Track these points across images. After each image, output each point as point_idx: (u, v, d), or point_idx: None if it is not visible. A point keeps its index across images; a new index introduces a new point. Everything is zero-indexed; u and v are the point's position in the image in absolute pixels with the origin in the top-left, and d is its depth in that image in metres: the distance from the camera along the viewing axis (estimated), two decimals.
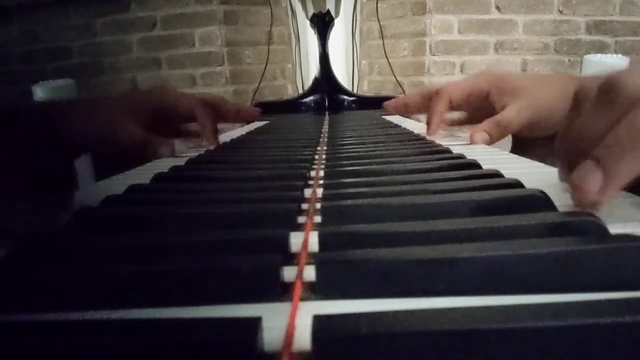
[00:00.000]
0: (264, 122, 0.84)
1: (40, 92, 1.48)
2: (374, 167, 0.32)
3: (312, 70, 1.32)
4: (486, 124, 0.48)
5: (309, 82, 1.26)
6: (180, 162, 0.39)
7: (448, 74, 1.71)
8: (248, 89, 1.79)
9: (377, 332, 0.10)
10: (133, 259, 0.16)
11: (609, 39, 1.68)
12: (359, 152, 0.41)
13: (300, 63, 1.60)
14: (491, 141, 0.48)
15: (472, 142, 0.48)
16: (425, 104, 0.56)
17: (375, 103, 1.13)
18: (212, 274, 0.14)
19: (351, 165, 0.33)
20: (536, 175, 0.30)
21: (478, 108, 0.53)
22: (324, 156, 0.39)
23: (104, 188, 0.31)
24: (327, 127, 0.70)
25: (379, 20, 1.71)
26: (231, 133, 0.66)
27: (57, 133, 0.25)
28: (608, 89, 0.20)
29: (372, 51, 1.79)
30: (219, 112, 0.54)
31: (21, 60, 1.80)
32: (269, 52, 1.76)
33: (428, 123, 0.54)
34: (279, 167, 0.35)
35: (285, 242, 0.17)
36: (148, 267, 0.14)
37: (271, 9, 1.71)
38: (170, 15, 1.73)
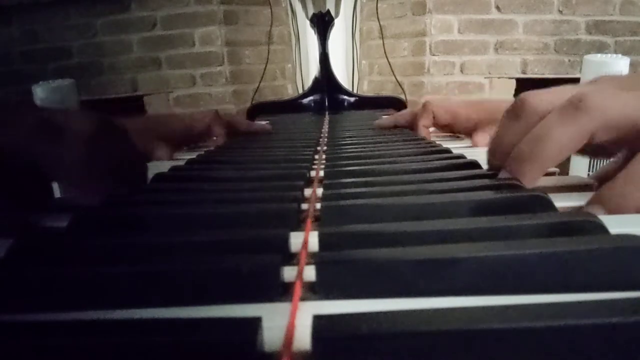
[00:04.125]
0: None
1: (40, 92, 1.48)
2: (374, 167, 0.32)
3: (312, 70, 1.32)
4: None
5: (309, 82, 1.26)
6: (180, 162, 0.39)
7: (448, 74, 1.71)
8: (248, 89, 1.79)
9: (377, 332, 0.10)
10: (133, 259, 0.16)
11: (609, 39, 1.68)
12: (359, 152, 0.41)
13: (300, 63, 1.60)
14: None
15: (474, 144, 0.48)
16: (414, 119, 0.57)
17: (375, 103, 1.13)
18: (212, 274, 0.14)
19: (351, 165, 0.33)
20: None
21: (463, 130, 0.54)
22: (324, 156, 0.39)
23: None
24: (327, 127, 0.70)
25: (379, 20, 1.71)
26: None
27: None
28: (515, 106, 0.26)
29: (372, 51, 1.79)
30: (232, 126, 0.59)
31: (21, 60, 1.80)
32: (269, 52, 1.76)
33: None
34: (279, 167, 0.35)
35: (285, 242, 0.17)
36: (148, 267, 0.14)
37: (271, 9, 1.71)
38: (170, 15, 1.73)
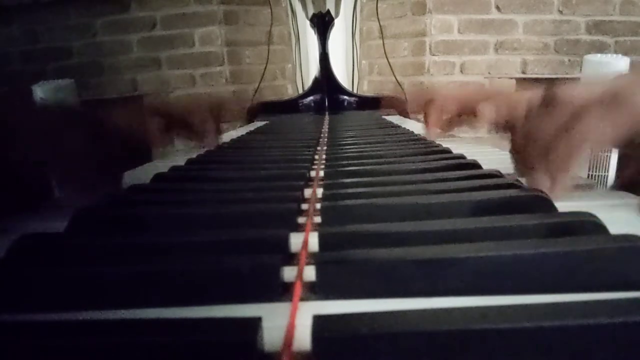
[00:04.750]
0: (264, 122, 0.84)
1: (40, 92, 1.48)
2: (374, 167, 0.32)
3: (312, 70, 1.32)
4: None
5: (309, 82, 1.26)
6: (180, 162, 0.39)
7: (448, 74, 1.71)
8: (248, 89, 1.79)
9: (377, 332, 0.10)
10: (133, 259, 0.16)
11: (609, 39, 1.68)
12: (359, 152, 0.41)
13: (300, 63, 1.60)
14: None
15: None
16: (421, 107, 0.57)
17: (375, 103, 1.13)
18: (212, 274, 0.14)
19: (351, 165, 0.33)
20: None
21: (473, 117, 0.54)
22: (324, 156, 0.39)
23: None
24: (327, 127, 0.70)
25: (379, 20, 1.71)
26: (231, 133, 0.66)
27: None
28: (549, 100, 0.26)
29: (372, 51, 1.79)
30: (227, 111, 0.58)
31: (21, 60, 1.79)
32: (269, 52, 1.76)
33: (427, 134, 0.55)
34: (279, 167, 0.35)
35: (285, 242, 0.17)
36: (148, 267, 0.14)
37: (271, 9, 1.71)
38: (170, 15, 1.73)
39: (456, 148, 0.40)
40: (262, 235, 0.18)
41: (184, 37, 1.74)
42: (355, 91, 1.51)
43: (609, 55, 1.50)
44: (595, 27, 1.68)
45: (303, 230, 0.19)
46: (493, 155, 0.41)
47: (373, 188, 0.25)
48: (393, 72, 1.70)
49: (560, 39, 1.69)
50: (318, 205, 0.22)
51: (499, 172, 0.27)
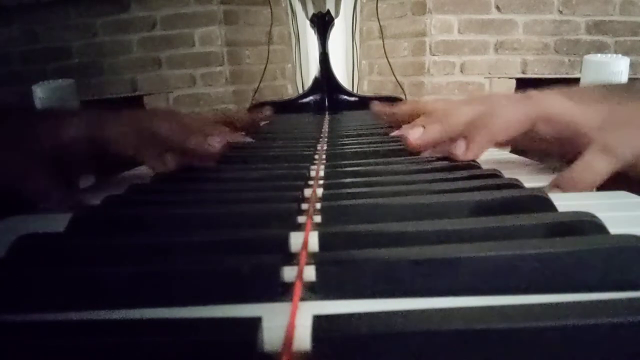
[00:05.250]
0: (264, 122, 0.84)
1: (40, 92, 1.47)
2: (374, 167, 0.32)
3: (312, 70, 1.31)
4: None
5: (309, 82, 1.26)
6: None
7: (448, 74, 1.71)
8: (248, 89, 1.79)
9: (377, 332, 0.10)
10: (133, 259, 0.16)
11: (609, 39, 1.68)
12: (359, 152, 0.41)
13: (300, 63, 1.60)
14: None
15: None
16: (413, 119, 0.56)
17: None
18: (212, 274, 0.14)
19: (351, 165, 0.33)
20: (536, 175, 0.30)
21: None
22: (324, 156, 0.39)
23: (104, 188, 0.31)
24: (327, 127, 0.70)
25: (379, 20, 1.71)
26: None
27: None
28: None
29: (372, 51, 1.79)
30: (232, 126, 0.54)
31: (21, 60, 1.79)
32: (269, 52, 1.76)
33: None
34: (279, 166, 0.35)
35: (285, 242, 0.17)
36: (148, 267, 0.14)
37: (271, 9, 1.71)
38: (170, 15, 1.73)
39: None
40: (262, 235, 0.18)
41: (184, 37, 1.74)
42: (355, 91, 1.51)
43: (609, 55, 1.50)
44: (595, 27, 1.68)
45: (303, 230, 0.19)
46: (493, 156, 0.41)
47: (373, 188, 0.25)
48: (393, 72, 1.70)
49: (560, 39, 1.69)
50: (318, 205, 0.22)
51: (499, 172, 0.27)
